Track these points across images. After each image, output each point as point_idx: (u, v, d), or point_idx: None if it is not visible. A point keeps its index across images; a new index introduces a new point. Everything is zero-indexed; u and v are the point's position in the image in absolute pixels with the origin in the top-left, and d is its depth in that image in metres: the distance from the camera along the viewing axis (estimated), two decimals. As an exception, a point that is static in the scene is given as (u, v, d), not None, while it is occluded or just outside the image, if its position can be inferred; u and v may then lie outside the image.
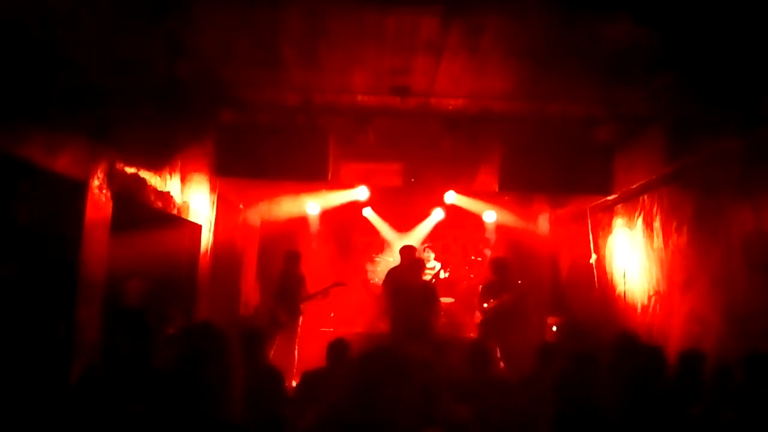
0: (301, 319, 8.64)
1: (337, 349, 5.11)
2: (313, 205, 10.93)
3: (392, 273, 8.73)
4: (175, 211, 6.62)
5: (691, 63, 5.43)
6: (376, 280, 11.21)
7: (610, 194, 8.00)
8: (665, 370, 3.69)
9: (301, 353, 8.44)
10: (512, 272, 8.72)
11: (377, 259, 11.79)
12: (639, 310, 7.36)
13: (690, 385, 4.40)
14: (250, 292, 10.35)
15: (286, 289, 8.55)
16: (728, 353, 5.19)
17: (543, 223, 11.09)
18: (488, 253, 11.52)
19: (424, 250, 10.72)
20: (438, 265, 10.55)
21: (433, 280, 9.43)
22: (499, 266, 8.59)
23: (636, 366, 2.89)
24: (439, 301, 8.58)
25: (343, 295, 10.07)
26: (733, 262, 5.52)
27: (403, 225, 11.72)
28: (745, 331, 5.28)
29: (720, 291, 5.73)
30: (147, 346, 3.56)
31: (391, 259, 11.61)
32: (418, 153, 8.98)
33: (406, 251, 8.79)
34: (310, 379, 5.09)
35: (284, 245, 9.91)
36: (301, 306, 8.63)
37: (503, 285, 8.42)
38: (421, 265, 8.69)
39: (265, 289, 10.40)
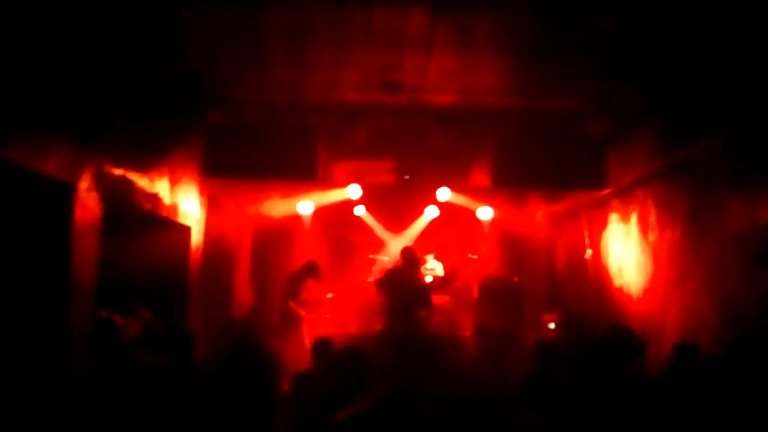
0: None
1: (320, 349, 5.19)
2: (305, 204, 10.86)
3: (390, 273, 8.60)
4: (164, 213, 6.57)
5: (676, 59, 5.41)
6: (372, 279, 11.15)
7: (604, 189, 7.95)
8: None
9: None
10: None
11: (373, 257, 11.73)
12: (634, 304, 7.34)
13: (683, 375, 4.41)
14: (244, 293, 10.30)
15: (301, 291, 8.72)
16: (721, 345, 5.18)
17: (538, 219, 11.06)
18: (484, 250, 11.49)
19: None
20: (439, 266, 10.50)
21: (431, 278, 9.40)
22: None
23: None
24: (430, 300, 8.51)
25: (339, 297, 10.05)
26: (727, 256, 5.50)
27: (397, 223, 11.66)
28: (739, 323, 5.26)
29: (714, 284, 5.71)
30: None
31: (387, 258, 11.56)
32: (410, 150, 8.91)
33: (408, 253, 8.45)
34: (299, 380, 5.22)
35: (277, 246, 9.84)
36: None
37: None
38: (417, 264, 8.59)
39: (259, 289, 10.38)
